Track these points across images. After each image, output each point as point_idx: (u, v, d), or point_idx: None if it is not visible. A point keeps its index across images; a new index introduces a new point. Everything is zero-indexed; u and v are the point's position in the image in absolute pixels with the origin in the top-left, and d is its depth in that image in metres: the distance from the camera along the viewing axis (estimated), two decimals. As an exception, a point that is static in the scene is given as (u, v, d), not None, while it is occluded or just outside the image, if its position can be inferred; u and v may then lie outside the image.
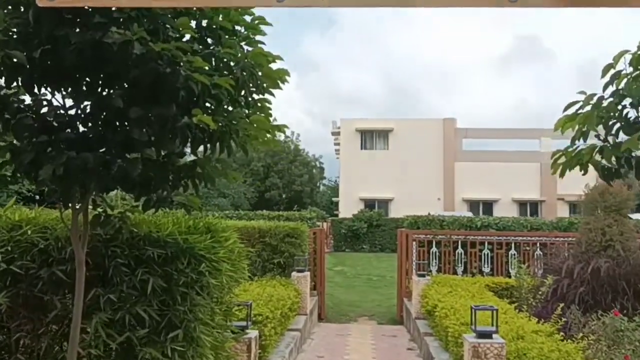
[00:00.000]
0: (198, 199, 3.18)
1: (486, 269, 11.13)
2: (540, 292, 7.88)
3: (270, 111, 3.18)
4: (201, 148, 3.07)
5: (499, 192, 36.76)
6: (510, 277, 10.91)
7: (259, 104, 3.15)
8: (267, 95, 3.22)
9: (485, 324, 5.17)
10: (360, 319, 11.68)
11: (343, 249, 31.31)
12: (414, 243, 11.33)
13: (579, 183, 28.56)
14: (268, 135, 3.18)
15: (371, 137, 38.93)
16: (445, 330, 6.31)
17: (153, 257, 3.55)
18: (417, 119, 39.38)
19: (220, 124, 2.74)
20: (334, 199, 45.39)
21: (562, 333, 5.82)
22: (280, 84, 3.09)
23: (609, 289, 7.98)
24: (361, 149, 38.79)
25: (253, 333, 5.22)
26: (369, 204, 37.04)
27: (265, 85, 3.08)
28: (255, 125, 2.93)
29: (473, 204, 36.78)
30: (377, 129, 38.61)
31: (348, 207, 36.25)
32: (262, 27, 3.07)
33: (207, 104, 2.86)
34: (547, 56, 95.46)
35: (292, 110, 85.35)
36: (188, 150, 3.05)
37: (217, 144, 2.90)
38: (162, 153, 2.92)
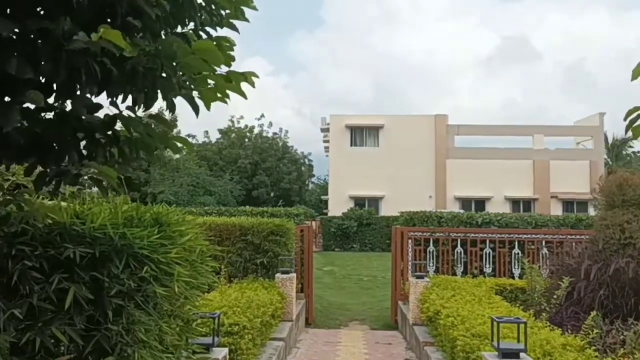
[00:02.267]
0: (114, 171, 2.21)
1: (488, 270, 10.26)
2: (555, 296, 7.00)
3: (231, 53, 2.23)
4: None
5: (492, 189, 36.00)
6: (513, 277, 10.07)
7: (214, 43, 2.20)
8: (227, 32, 2.28)
9: (506, 338, 4.26)
10: (351, 323, 10.77)
11: (332, 248, 30.42)
12: (410, 241, 10.43)
13: (572, 181, 28.06)
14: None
15: (361, 134, 38.02)
16: (453, 343, 5.40)
17: (75, 259, 2.60)
18: (408, 115, 38.51)
19: (144, 50, 1.79)
20: (323, 197, 44.46)
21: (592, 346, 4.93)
22: (245, 12, 2.14)
23: (630, 292, 7.13)
24: (351, 145, 37.85)
25: (221, 351, 4.26)
26: (359, 202, 36.14)
27: (223, 12, 2.13)
28: (205, 61, 1.96)
29: (465, 202, 35.99)
30: (367, 125, 37.70)
31: (338, 206, 35.33)
32: None
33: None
34: (534, 56, 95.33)
35: (281, 110, 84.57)
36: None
37: (147, 89, 1.95)
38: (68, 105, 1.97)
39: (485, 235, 10.33)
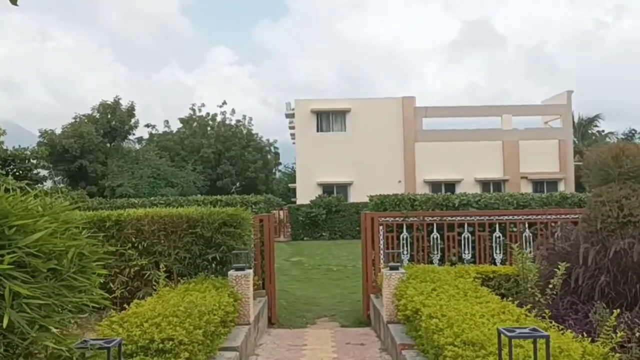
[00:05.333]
0: None
1: (467, 256, 9.32)
2: (550, 286, 6.05)
3: None
4: None
5: (461, 172, 35.39)
6: (495, 263, 9.17)
7: None
8: None
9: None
10: (320, 320, 9.72)
11: (301, 238, 29.41)
12: (381, 228, 9.41)
13: (541, 161, 27.54)
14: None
15: (327, 119, 36.91)
16: (439, 351, 4.38)
17: None
18: (375, 99, 37.55)
19: None
20: (290, 185, 43.33)
21: (587, 337, 3.94)
22: None
23: (634, 278, 6.23)
24: (317, 131, 36.72)
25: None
26: (328, 189, 35.17)
27: None
28: None
29: (435, 186, 35.32)
30: (334, 110, 36.59)
31: (305, 193, 34.29)
32: None
33: None
34: (497, 40, 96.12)
35: (247, 99, 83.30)
36: None
37: None
38: None
39: (463, 218, 9.38)
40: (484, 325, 4.37)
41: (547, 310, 4.79)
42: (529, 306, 5.10)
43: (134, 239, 8.03)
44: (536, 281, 6.28)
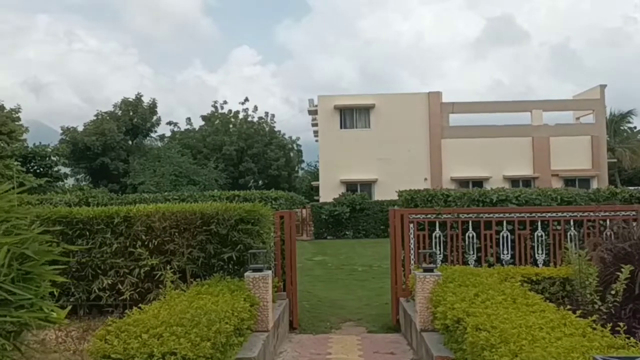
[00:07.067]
0: None
1: (506, 256, 8.53)
2: (612, 292, 5.26)
3: None
4: None
5: (490, 169, 34.33)
6: (536, 264, 8.36)
7: None
8: None
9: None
10: (345, 325, 9.02)
11: (324, 236, 28.72)
12: (412, 225, 8.67)
13: (573, 158, 26.14)
14: None
15: (351, 115, 36.13)
16: (491, 372, 3.65)
17: None
18: (400, 94, 36.65)
19: None
20: (313, 183, 42.69)
21: None
22: None
23: None
24: (341, 128, 35.97)
25: None
26: (351, 187, 34.42)
27: None
28: None
29: (462, 183, 34.30)
30: (357, 106, 35.80)
31: (329, 191, 33.59)
32: None
33: None
34: (521, 36, 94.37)
35: (270, 99, 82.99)
36: None
37: None
38: None
39: (502, 215, 8.57)
40: (546, 341, 3.63)
41: (621, 324, 4.00)
42: (594, 317, 4.33)
43: (144, 237, 7.44)
44: (597, 287, 5.49)
